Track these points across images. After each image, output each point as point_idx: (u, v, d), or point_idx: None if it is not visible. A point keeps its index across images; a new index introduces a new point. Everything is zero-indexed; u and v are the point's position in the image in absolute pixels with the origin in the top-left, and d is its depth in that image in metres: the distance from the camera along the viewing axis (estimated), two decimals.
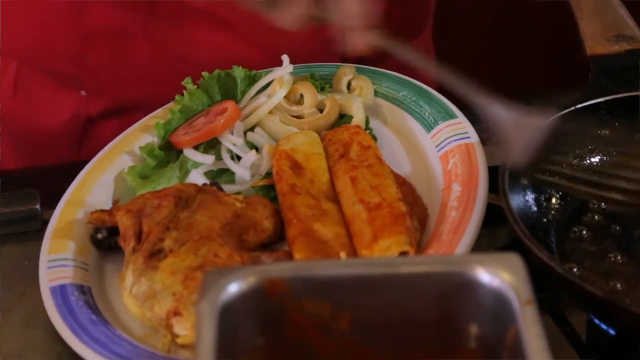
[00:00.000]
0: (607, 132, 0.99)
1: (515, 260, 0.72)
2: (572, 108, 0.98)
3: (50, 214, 1.03)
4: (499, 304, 0.72)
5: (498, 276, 0.72)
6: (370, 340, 0.75)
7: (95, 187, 1.05)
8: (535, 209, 0.95)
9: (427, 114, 1.08)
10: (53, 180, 1.12)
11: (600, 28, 1.05)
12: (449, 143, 1.03)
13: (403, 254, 0.91)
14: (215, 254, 0.90)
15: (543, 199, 0.96)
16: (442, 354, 0.76)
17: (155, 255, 0.91)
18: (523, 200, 0.95)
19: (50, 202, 1.05)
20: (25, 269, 1.00)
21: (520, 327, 0.69)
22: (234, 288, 0.73)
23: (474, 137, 1.02)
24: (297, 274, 0.75)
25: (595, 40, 1.04)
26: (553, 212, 0.96)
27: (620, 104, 0.99)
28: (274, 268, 0.75)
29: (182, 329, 0.86)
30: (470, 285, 0.73)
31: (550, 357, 0.66)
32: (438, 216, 0.97)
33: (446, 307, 0.74)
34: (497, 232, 1.00)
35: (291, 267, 0.76)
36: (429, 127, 1.07)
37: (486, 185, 0.96)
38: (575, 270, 0.90)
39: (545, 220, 0.95)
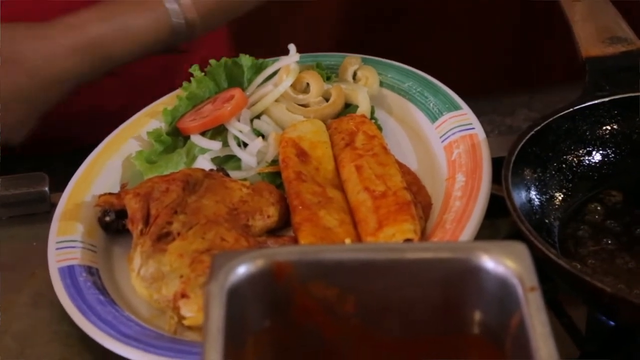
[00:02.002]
0: (606, 132, 1.01)
1: (519, 248, 0.73)
2: (571, 109, 1.00)
3: (59, 197, 1.04)
4: (503, 291, 0.73)
5: (502, 263, 0.73)
6: (376, 324, 0.76)
7: (103, 171, 1.06)
8: (537, 204, 0.97)
9: (432, 104, 1.09)
10: (61, 164, 1.13)
11: (594, 31, 1.07)
12: (453, 134, 1.04)
13: (407, 241, 0.92)
14: (222, 238, 0.91)
15: (546, 195, 0.98)
16: (446, 339, 0.77)
17: (163, 238, 0.92)
18: (527, 195, 0.96)
19: (59, 186, 1.07)
20: (34, 250, 1.01)
21: (524, 313, 0.70)
22: (242, 270, 0.74)
23: (478, 129, 1.04)
24: (305, 258, 0.76)
25: (590, 43, 1.06)
26: (556, 208, 0.98)
27: (619, 104, 1.01)
28: (282, 251, 0.76)
29: (189, 311, 0.88)
30: (475, 272, 0.74)
31: (554, 344, 0.67)
32: (442, 205, 0.98)
33: (450, 293, 0.75)
34: (498, 224, 1.01)
35: (299, 251, 0.77)
36: (433, 118, 1.08)
37: (490, 175, 0.98)
38: (578, 267, 0.91)
39: (547, 216, 0.96)
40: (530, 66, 1.71)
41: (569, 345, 0.91)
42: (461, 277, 0.74)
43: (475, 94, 1.11)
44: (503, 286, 0.73)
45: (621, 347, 0.91)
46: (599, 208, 0.97)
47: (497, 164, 0.98)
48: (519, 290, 0.71)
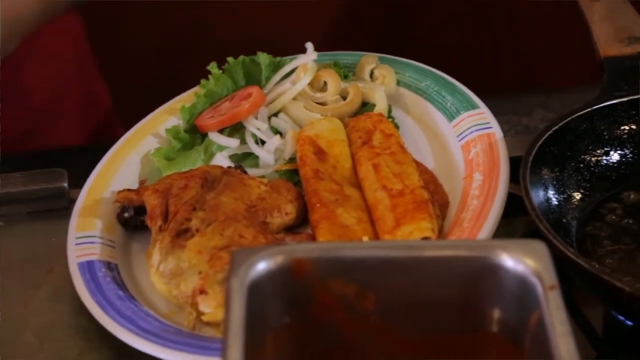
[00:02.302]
0: (624, 132, 1.01)
1: (539, 246, 0.73)
2: (589, 109, 1.00)
3: (77, 194, 1.05)
4: (523, 289, 0.73)
5: (522, 261, 0.73)
6: (394, 321, 0.77)
7: (122, 167, 1.07)
8: (555, 204, 0.97)
9: (449, 103, 1.10)
10: (80, 161, 1.13)
11: (612, 31, 1.07)
12: (470, 133, 1.05)
13: (425, 239, 0.92)
14: (241, 234, 0.92)
15: (563, 195, 0.98)
16: (464, 338, 0.77)
17: (182, 234, 0.92)
18: (544, 194, 0.96)
19: (77, 182, 1.07)
20: (53, 246, 1.01)
21: (543, 312, 0.70)
22: (262, 266, 0.74)
23: (495, 128, 1.04)
24: (324, 255, 0.76)
25: (608, 43, 1.06)
26: (573, 208, 0.98)
27: (637, 104, 1.01)
28: (302, 248, 0.77)
29: (207, 307, 0.88)
30: (494, 270, 0.74)
31: (574, 342, 0.67)
32: (459, 204, 0.98)
33: (469, 291, 0.75)
34: (515, 223, 1.01)
35: (318, 248, 0.78)
36: (450, 117, 1.08)
37: (507, 174, 0.98)
38: (596, 266, 0.91)
39: (565, 215, 0.97)
40: (546, 66, 1.71)
41: (585, 346, 0.91)
42: (480, 275, 0.75)
43: (491, 94, 1.11)
44: (522, 284, 0.73)
45: (638, 348, 0.91)
46: (617, 208, 0.97)
47: (514, 164, 0.98)
48: (539, 288, 0.72)
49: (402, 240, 0.90)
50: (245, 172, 1.04)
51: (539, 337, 0.71)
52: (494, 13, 1.69)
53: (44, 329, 0.94)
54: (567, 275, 0.87)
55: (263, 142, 1.09)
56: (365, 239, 0.94)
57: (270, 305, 0.75)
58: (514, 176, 0.97)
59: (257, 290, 0.74)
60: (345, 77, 1.15)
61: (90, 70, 1.41)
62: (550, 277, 0.72)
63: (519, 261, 0.73)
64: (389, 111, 1.11)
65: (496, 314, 0.76)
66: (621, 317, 0.90)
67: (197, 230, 0.93)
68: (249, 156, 1.09)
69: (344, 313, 0.77)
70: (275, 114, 1.11)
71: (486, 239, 0.90)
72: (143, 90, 1.32)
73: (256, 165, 1.08)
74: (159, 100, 1.16)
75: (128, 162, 1.08)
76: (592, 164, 1.00)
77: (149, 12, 1.47)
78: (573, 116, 0.99)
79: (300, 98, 1.12)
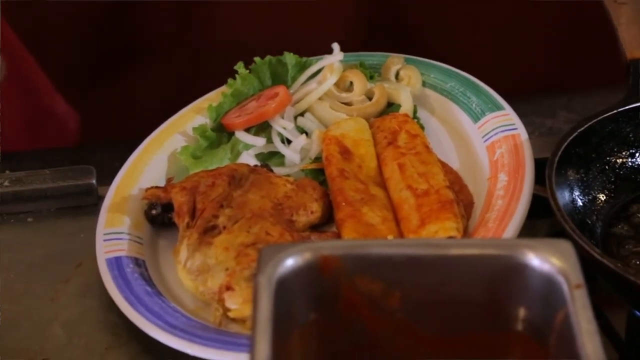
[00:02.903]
0: None
1: (565, 246, 0.74)
2: (615, 111, 1.00)
3: (105, 190, 1.06)
4: (548, 288, 0.73)
5: (548, 261, 0.73)
6: (420, 319, 0.77)
7: (149, 165, 1.08)
8: (580, 205, 0.97)
9: (474, 105, 1.10)
10: (107, 158, 1.15)
11: (639, 34, 1.07)
12: (495, 134, 1.05)
13: (450, 239, 0.93)
14: (267, 232, 0.93)
15: (588, 196, 0.98)
16: (489, 336, 0.78)
17: (210, 231, 0.93)
18: (569, 195, 0.97)
19: (104, 180, 1.09)
20: (81, 242, 1.03)
21: (569, 311, 0.70)
22: (290, 263, 0.75)
23: (521, 129, 1.04)
24: (351, 252, 0.77)
25: (635, 45, 1.06)
26: (598, 209, 0.98)
27: None
28: (329, 245, 0.77)
29: (234, 303, 0.89)
30: (520, 269, 0.74)
31: (599, 340, 0.68)
32: (484, 204, 0.99)
33: (495, 289, 0.76)
34: (539, 225, 1.02)
35: (345, 245, 0.79)
36: (476, 118, 1.09)
37: (532, 175, 0.98)
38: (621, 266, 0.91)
39: (589, 216, 0.97)
40: (569, 68, 1.71)
41: (608, 349, 0.91)
42: (506, 274, 0.75)
43: (513, 96, 1.12)
44: (548, 283, 0.73)
45: None
46: None
47: (539, 165, 0.98)
48: (564, 287, 0.72)
49: (428, 238, 0.91)
50: (272, 171, 1.05)
51: (564, 336, 0.72)
52: (515, 15, 1.69)
53: (72, 323, 0.96)
54: (590, 277, 0.87)
55: (289, 142, 1.10)
56: (390, 237, 0.95)
57: (297, 302, 0.76)
58: (539, 178, 0.98)
59: (284, 286, 0.74)
60: (371, 78, 1.15)
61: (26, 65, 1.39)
62: (577, 276, 0.72)
63: (545, 260, 0.74)
64: (415, 112, 1.12)
65: (522, 312, 0.76)
66: None
67: (224, 227, 0.94)
68: (275, 155, 1.10)
69: (370, 310, 0.77)
70: (302, 114, 1.12)
71: (512, 238, 0.90)
72: (168, 89, 1.33)
73: (282, 164, 1.09)
74: (184, 99, 1.17)
75: (155, 160, 1.09)
76: (617, 165, 1.00)
77: (171, 11, 1.49)
78: (599, 118, 0.99)
79: (326, 98, 1.13)
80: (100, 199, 1.05)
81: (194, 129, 1.11)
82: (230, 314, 0.89)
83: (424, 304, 0.77)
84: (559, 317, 0.73)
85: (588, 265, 0.84)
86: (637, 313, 0.90)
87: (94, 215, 1.03)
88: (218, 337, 0.87)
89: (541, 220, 1.01)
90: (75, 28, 1.43)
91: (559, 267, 0.73)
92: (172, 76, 1.40)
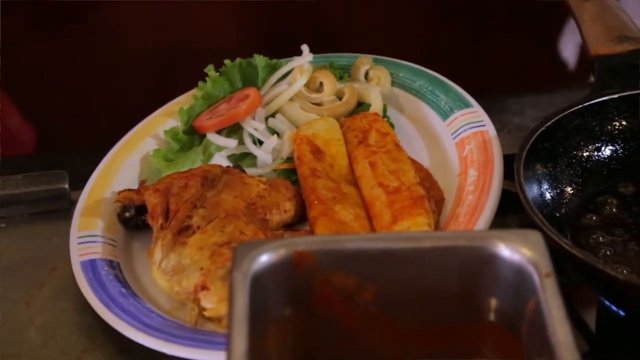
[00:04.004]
0: (615, 128, 1.03)
1: (534, 236, 0.75)
2: (581, 106, 1.02)
3: (78, 195, 1.06)
4: (519, 278, 0.74)
5: (518, 251, 0.74)
6: (394, 312, 0.78)
7: (122, 168, 1.08)
8: (549, 198, 0.98)
9: (443, 103, 1.11)
10: (78, 163, 1.15)
11: (602, 30, 1.09)
12: (464, 131, 1.07)
13: None
14: (241, 231, 0.93)
15: (557, 190, 1.00)
16: (463, 327, 0.79)
17: (184, 231, 0.94)
18: (538, 189, 0.98)
19: (76, 184, 1.09)
20: (55, 246, 1.03)
21: (540, 299, 0.71)
22: (264, 259, 0.75)
23: (489, 125, 1.06)
24: (325, 247, 0.77)
25: (599, 42, 1.08)
26: (566, 202, 1.00)
27: (627, 101, 1.03)
28: (303, 241, 0.78)
29: (209, 302, 0.89)
30: (491, 260, 0.75)
31: (570, 326, 0.69)
32: (454, 200, 1.00)
33: (467, 281, 0.77)
34: (509, 221, 1.03)
35: (319, 240, 0.79)
36: (444, 116, 1.10)
37: (501, 170, 1.00)
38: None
39: (558, 209, 0.98)
40: (536, 67, 1.73)
41: (579, 341, 0.93)
42: (477, 265, 0.76)
43: (481, 95, 1.13)
44: (519, 273, 0.75)
45: (630, 339, 0.92)
46: (608, 201, 0.99)
47: (507, 161, 1.00)
48: (535, 277, 0.73)
49: (401, 232, 0.92)
50: (244, 172, 1.05)
51: (535, 324, 0.73)
52: (481, 15, 1.71)
53: (47, 326, 0.96)
54: (561, 271, 0.88)
55: (261, 142, 1.10)
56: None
57: (272, 298, 0.77)
58: (508, 173, 0.99)
59: (259, 282, 0.75)
60: (340, 79, 1.16)
61: None
62: (546, 265, 0.73)
63: (516, 250, 0.75)
64: (384, 111, 1.13)
65: (494, 303, 0.77)
66: (614, 309, 0.91)
67: (198, 227, 0.94)
68: (247, 156, 1.11)
69: (345, 305, 0.78)
70: (272, 115, 1.13)
71: (483, 230, 0.92)
72: (141, 94, 1.33)
73: (254, 165, 1.10)
74: (155, 103, 1.17)
75: (127, 163, 1.09)
76: (584, 159, 1.02)
77: (144, 15, 1.49)
78: (565, 113, 1.01)
79: (296, 99, 1.14)
80: (73, 203, 1.05)
81: (166, 132, 1.12)
82: (206, 313, 0.90)
83: (398, 298, 0.78)
84: (530, 306, 0.74)
85: (558, 257, 0.86)
86: (607, 302, 0.92)
87: (67, 220, 1.03)
88: (194, 335, 0.88)
89: (512, 216, 1.02)
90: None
91: (529, 257, 0.74)
92: (143, 81, 1.40)
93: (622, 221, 0.97)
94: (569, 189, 1.00)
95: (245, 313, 0.72)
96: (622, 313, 0.91)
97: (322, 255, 0.77)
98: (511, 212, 1.01)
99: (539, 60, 1.72)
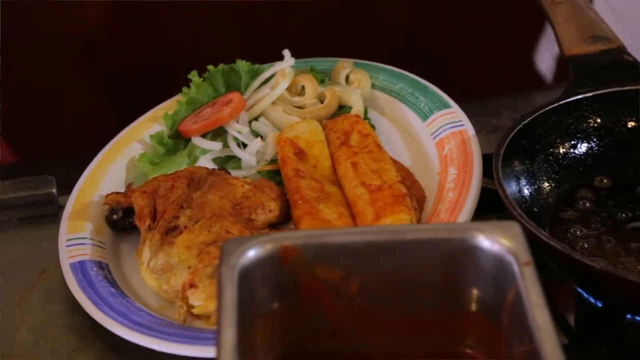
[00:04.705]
0: (590, 126, 1.06)
1: (513, 227, 0.77)
2: (556, 104, 1.05)
3: (65, 200, 1.07)
4: (499, 268, 0.77)
5: (498, 242, 0.77)
6: (378, 304, 0.80)
7: (108, 173, 1.10)
8: (527, 194, 1.01)
9: (422, 104, 1.14)
10: (64, 170, 1.16)
11: (576, 31, 1.12)
12: (444, 130, 1.09)
13: None
14: (228, 230, 0.95)
15: (534, 186, 1.02)
16: (445, 318, 0.81)
17: (171, 231, 0.96)
18: (517, 185, 1.00)
19: (63, 190, 1.10)
20: (44, 250, 1.04)
21: (519, 287, 0.74)
22: (252, 254, 0.77)
23: (467, 125, 1.08)
24: (310, 242, 0.79)
25: (573, 42, 1.11)
26: (544, 197, 1.02)
27: (601, 99, 1.06)
28: (289, 235, 0.79)
29: (197, 300, 0.91)
30: (472, 251, 0.78)
31: (549, 312, 0.71)
32: (435, 197, 1.02)
33: (449, 272, 0.79)
34: (488, 219, 1.05)
35: (304, 235, 0.81)
36: (424, 117, 1.12)
37: (480, 167, 1.02)
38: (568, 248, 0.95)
39: (536, 204, 1.01)
40: (512, 70, 1.76)
41: (558, 335, 0.95)
42: (459, 257, 0.78)
43: (459, 97, 1.16)
44: (499, 263, 0.77)
45: (607, 330, 0.94)
46: (584, 196, 1.02)
47: (486, 161, 1.02)
48: (514, 266, 0.75)
49: (384, 225, 0.94)
50: (229, 174, 1.07)
51: (516, 312, 0.75)
52: (460, 19, 1.74)
53: (38, 327, 0.97)
54: (540, 267, 0.91)
55: (245, 145, 1.12)
56: None
57: (259, 292, 0.78)
58: (486, 171, 1.01)
59: (247, 277, 0.77)
60: (321, 82, 1.19)
61: None
62: (525, 254, 0.75)
63: (495, 241, 0.77)
64: (365, 113, 1.15)
65: (475, 293, 0.79)
66: (591, 301, 0.94)
67: (185, 227, 0.96)
68: (232, 159, 1.13)
69: (330, 297, 0.80)
70: (256, 118, 1.15)
71: (464, 222, 0.94)
72: (126, 100, 1.35)
73: (239, 167, 1.12)
74: (141, 109, 1.19)
75: (114, 167, 1.11)
76: (560, 155, 1.05)
77: (128, 23, 1.51)
78: (541, 111, 1.03)
79: (279, 102, 1.16)
80: (61, 208, 1.07)
81: (151, 136, 1.13)
82: (194, 311, 0.92)
83: (382, 290, 0.80)
84: (510, 295, 0.76)
85: (536, 250, 0.88)
86: (584, 294, 0.94)
87: (55, 224, 1.04)
88: (183, 332, 0.89)
89: (491, 215, 1.04)
90: None
91: (508, 247, 0.76)
92: (129, 87, 1.41)
93: (598, 215, 0.99)
94: (546, 185, 1.03)
95: (234, 306, 0.74)
96: (599, 304, 0.93)
97: (307, 250, 0.79)
98: (490, 211, 1.03)
99: (516, 63, 1.75)
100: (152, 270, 0.94)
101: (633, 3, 1.62)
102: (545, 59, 1.74)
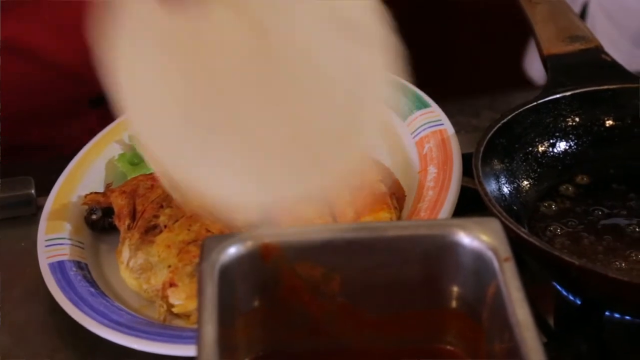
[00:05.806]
0: (568, 124, 1.07)
1: (493, 223, 0.78)
2: (535, 103, 1.05)
3: (44, 201, 1.07)
4: (479, 264, 0.77)
5: (478, 238, 0.77)
6: (360, 301, 0.80)
7: (87, 173, 1.09)
8: (507, 192, 1.01)
9: (402, 104, 1.14)
10: (41, 172, 1.15)
11: (555, 31, 1.13)
12: (424, 130, 1.09)
13: None
14: (207, 229, 0.95)
15: (514, 184, 1.03)
16: (427, 314, 0.81)
17: (151, 230, 0.95)
18: (496, 184, 1.01)
19: (41, 192, 1.10)
20: (23, 250, 1.03)
21: (499, 282, 0.74)
22: (232, 251, 0.77)
23: (447, 124, 1.09)
24: (291, 239, 0.80)
25: (551, 42, 1.12)
26: (523, 196, 1.03)
27: (579, 98, 1.06)
28: (270, 233, 0.80)
29: (177, 299, 0.91)
30: (452, 247, 0.78)
31: (529, 307, 0.71)
32: (415, 196, 1.02)
33: (430, 268, 0.80)
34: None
35: (285, 232, 0.81)
36: (404, 116, 1.13)
37: (460, 166, 1.02)
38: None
39: (515, 203, 1.02)
40: (491, 70, 1.78)
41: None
42: (439, 253, 0.79)
43: (438, 98, 1.16)
44: (479, 259, 0.77)
45: (587, 324, 0.94)
46: (564, 194, 1.03)
47: (466, 160, 1.03)
48: (494, 262, 0.76)
49: (365, 222, 0.94)
50: None
51: (495, 307, 0.75)
52: (438, 19, 1.75)
53: (17, 328, 0.96)
54: (520, 267, 0.91)
55: None
56: None
57: (240, 289, 0.79)
58: (466, 171, 1.02)
59: (227, 274, 0.77)
60: None
61: None
62: (505, 250, 0.76)
63: (475, 237, 0.77)
64: None
65: (455, 289, 0.80)
66: (570, 299, 0.94)
67: (165, 226, 0.96)
68: None
69: (311, 295, 0.80)
70: None
71: (444, 218, 0.94)
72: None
73: None
74: None
75: (93, 168, 1.10)
76: (539, 154, 1.05)
77: None
78: (520, 110, 1.04)
79: None
80: (40, 209, 1.06)
81: (131, 137, 1.13)
82: (175, 310, 0.91)
83: (364, 287, 0.81)
84: (490, 291, 0.76)
85: (516, 247, 0.89)
86: (563, 292, 0.95)
87: (33, 225, 1.04)
88: (163, 331, 0.89)
89: (471, 214, 1.04)
90: None
91: (488, 243, 0.77)
92: None
93: (577, 213, 1.00)
94: (525, 183, 1.03)
95: (215, 303, 0.74)
96: (578, 302, 0.94)
97: (288, 247, 0.79)
98: (471, 212, 1.02)
99: (496, 63, 1.76)
100: (131, 269, 0.94)
101: (627, 6, 1.64)
102: (528, 60, 1.76)
